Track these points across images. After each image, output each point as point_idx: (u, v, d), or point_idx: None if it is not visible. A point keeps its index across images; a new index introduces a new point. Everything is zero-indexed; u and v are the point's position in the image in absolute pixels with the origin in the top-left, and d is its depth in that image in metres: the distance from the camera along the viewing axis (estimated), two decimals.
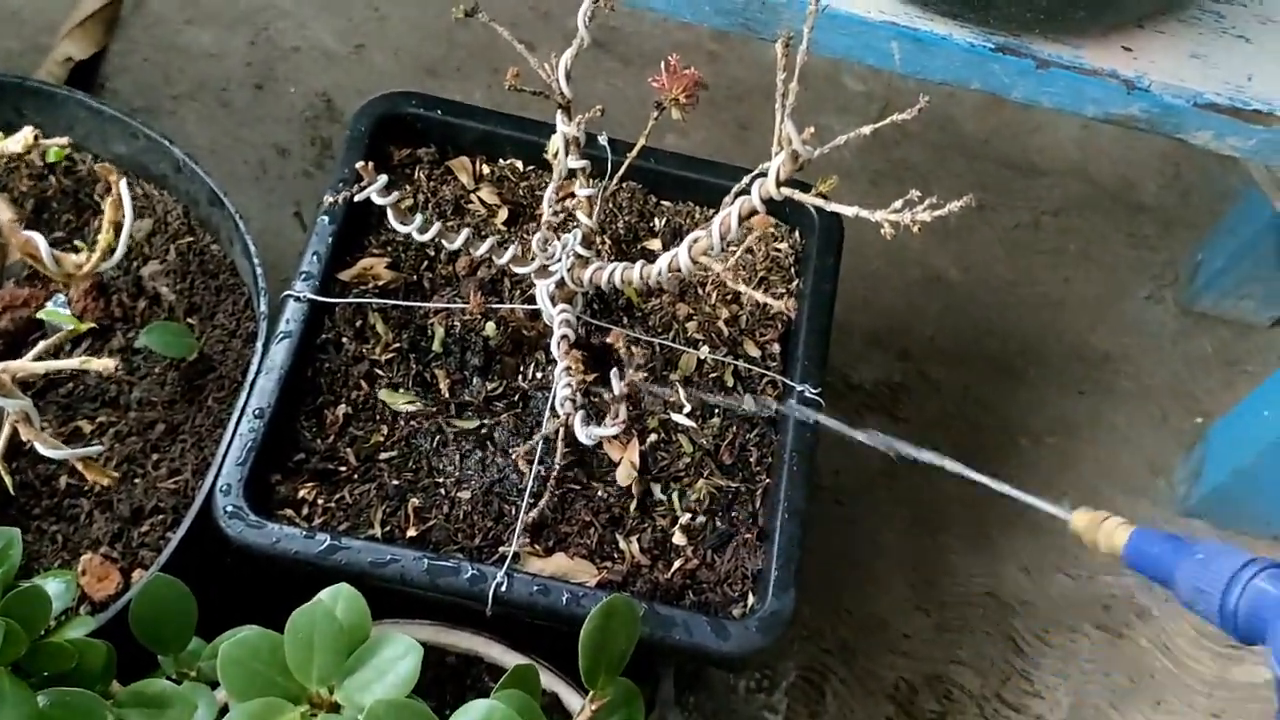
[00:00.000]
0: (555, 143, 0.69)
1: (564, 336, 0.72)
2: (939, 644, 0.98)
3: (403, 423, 0.77)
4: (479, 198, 0.87)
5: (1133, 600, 1.02)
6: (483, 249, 0.71)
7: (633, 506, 0.75)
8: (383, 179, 0.65)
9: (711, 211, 0.86)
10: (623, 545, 0.74)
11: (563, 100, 0.68)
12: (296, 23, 1.21)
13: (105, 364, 0.50)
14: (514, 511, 0.74)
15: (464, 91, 1.17)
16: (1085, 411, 1.10)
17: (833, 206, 0.59)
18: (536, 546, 0.73)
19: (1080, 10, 0.70)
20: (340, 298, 0.80)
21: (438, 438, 0.76)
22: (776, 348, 0.82)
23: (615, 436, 0.70)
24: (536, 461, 0.74)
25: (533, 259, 0.72)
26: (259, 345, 0.77)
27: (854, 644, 0.97)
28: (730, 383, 0.81)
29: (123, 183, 0.49)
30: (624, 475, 0.76)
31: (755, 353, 0.82)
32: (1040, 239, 1.20)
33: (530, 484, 0.74)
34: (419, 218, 0.68)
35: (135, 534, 0.74)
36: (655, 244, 0.86)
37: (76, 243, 0.79)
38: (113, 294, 0.82)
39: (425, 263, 0.83)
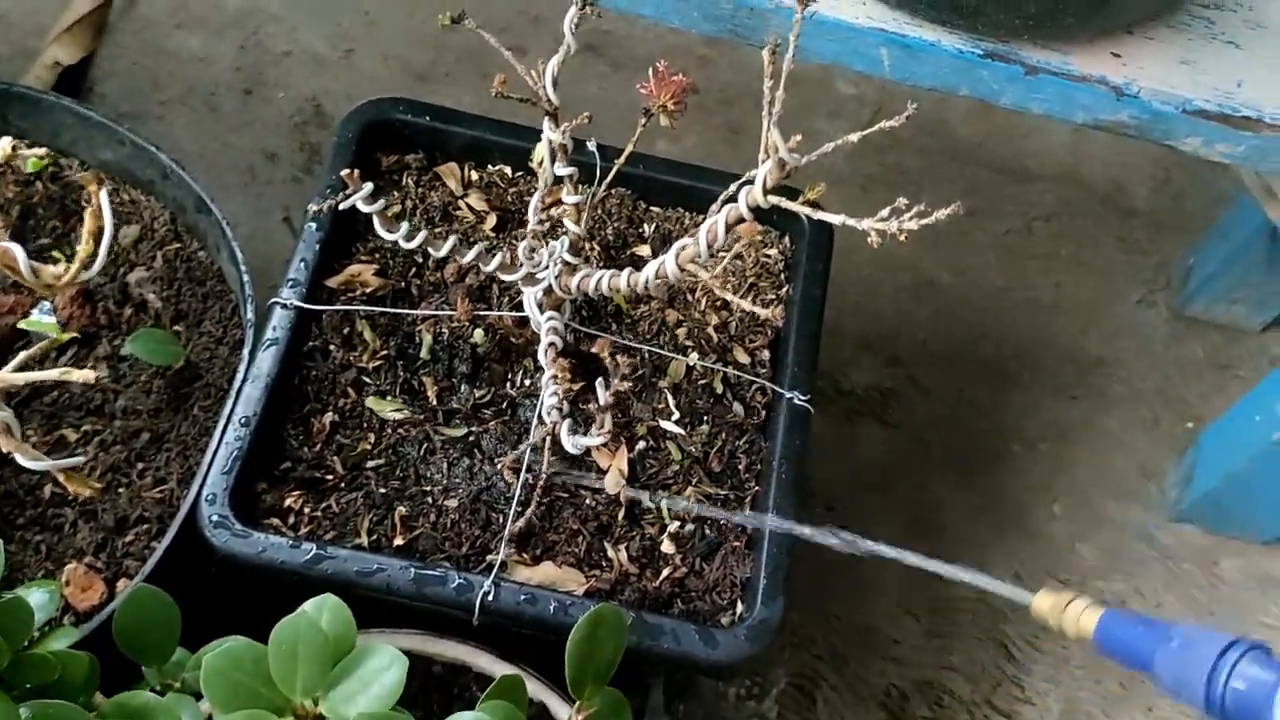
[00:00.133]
0: (540, 151, 0.69)
1: (551, 344, 0.72)
2: (930, 650, 0.98)
3: (390, 430, 0.76)
4: (467, 204, 0.86)
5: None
6: (469, 256, 0.70)
7: (621, 514, 0.75)
8: (368, 187, 0.64)
9: (701, 217, 0.85)
10: (611, 553, 0.74)
11: (549, 107, 0.67)
12: (286, 27, 1.21)
13: (86, 375, 0.50)
14: (502, 520, 0.73)
15: (454, 96, 1.17)
16: (1077, 416, 1.10)
17: (819, 215, 0.59)
18: (524, 555, 0.73)
19: (1069, 16, 0.69)
20: (328, 305, 0.79)
21: (425, 445, 0.76)
22: (766, 354, 0.82)
23: (603, 444, 0.70)
24: (524, 469, 0.74)
25: (520, 266, 0.72)
26: (245, 353, 0.77)
27: (844, 650, 0.97)
28: (719, 390, 0.80)
29: (103, 192, 0.49)
30: (612, 483, 0.75)
31: (745, 359, 0.82)
32: (1032, 243, 1.20)
33: (518, 492, 0.73)
34: (405, 225, 0.68)
35: (120, 544, 0.74)
36: (644, 250, 0.86)
37: (54, 253, 0.78)
38: (98, 301, 0.82)
39: (413, 269, 0.83)
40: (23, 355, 0.59)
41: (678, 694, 0.92)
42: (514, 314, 0.79)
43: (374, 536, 0.73)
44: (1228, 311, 1.14)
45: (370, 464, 0.75)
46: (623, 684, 0.63)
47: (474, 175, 0.88)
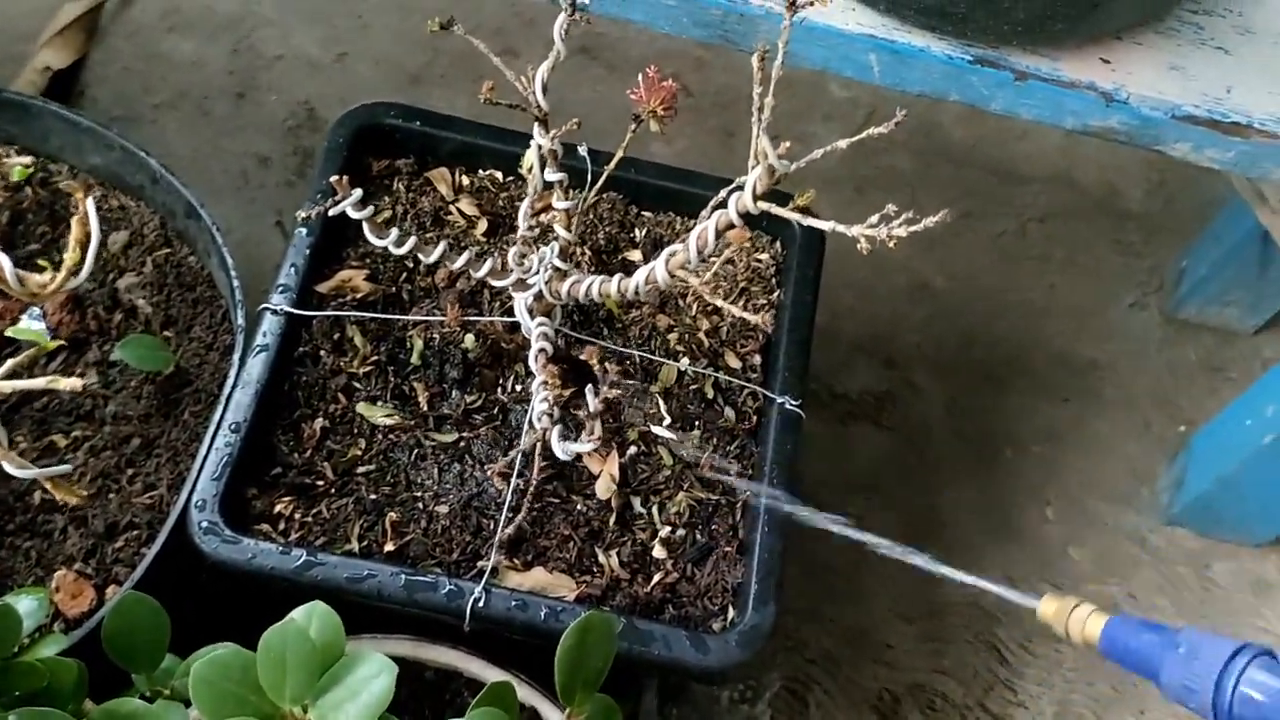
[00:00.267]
0: (530, 157, 0.69)
1: (542, 350, 0.72)
2: (922, 654, 0.98)
3: (380, 436, 0.76)
4: (458, 209, 0.86)
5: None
6: (460, 262, 0.70)
7: (612, 520, 0.75)
8: (357, 193, 0.64)
9: (693, 222, 0.85)
10: (602, 559, 0.74)
11: (539, 113, 0.67)
12: (279, 31, 1.21)
13: (72, 384, 0.50)
14: (492, 525, 0.73)
15: (447, 100, 1.17)
16: (1070, 419, 1.10)
17: (809, 221, 0.59)
18: (515, 561, 0.73)
19: (1058, 22, 0.69)
20: (318, 310, 0.79)
21: (416, 451, 0.76)
22: (757, 359, 0.82)
23: (594, 450, 0.70)
24: (515, 475, 0.74)
25: (510, 272, 0.72)
26: (236, 358, 0.77)
27: (837, 654, 0.97)
28: (711, 394, 0.80)
29: (89, 200, 0.49)
30: (603, 488, 0.75)
31: (736, 364, 0.82)
32: (1026, 246, 1.20)
33: (509, 498, 0.73)
34: (395, 231, 0.68)
35: (110, 550, 0.74)
36: (636, 255, 0.86)
37: (41, 261, 0.78)
38: (88, 306, 0.82)
39: (404, 274, 0.83)
40: (10, 363, 0.59)
41: (671, 698, 0.92)
42: (505, 319, 0.79)
43: (364, 542, 0.73)
44: (1220, 314, 1.14)
45: (361, 470, 0.75)
46: (615, 688, 0.63)
47: (465, 180, 0.88)
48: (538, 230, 0.75)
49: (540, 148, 0.68)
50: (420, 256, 0.69)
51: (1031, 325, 1.15)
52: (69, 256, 0.50)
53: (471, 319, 0.79)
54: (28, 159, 0.52)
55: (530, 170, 0.70)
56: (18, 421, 0.77)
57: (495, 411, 0.78)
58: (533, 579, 0.72)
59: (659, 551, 0.74)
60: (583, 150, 0.78)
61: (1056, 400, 1.11)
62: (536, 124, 0.68)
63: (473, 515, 0.74)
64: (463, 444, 0.77)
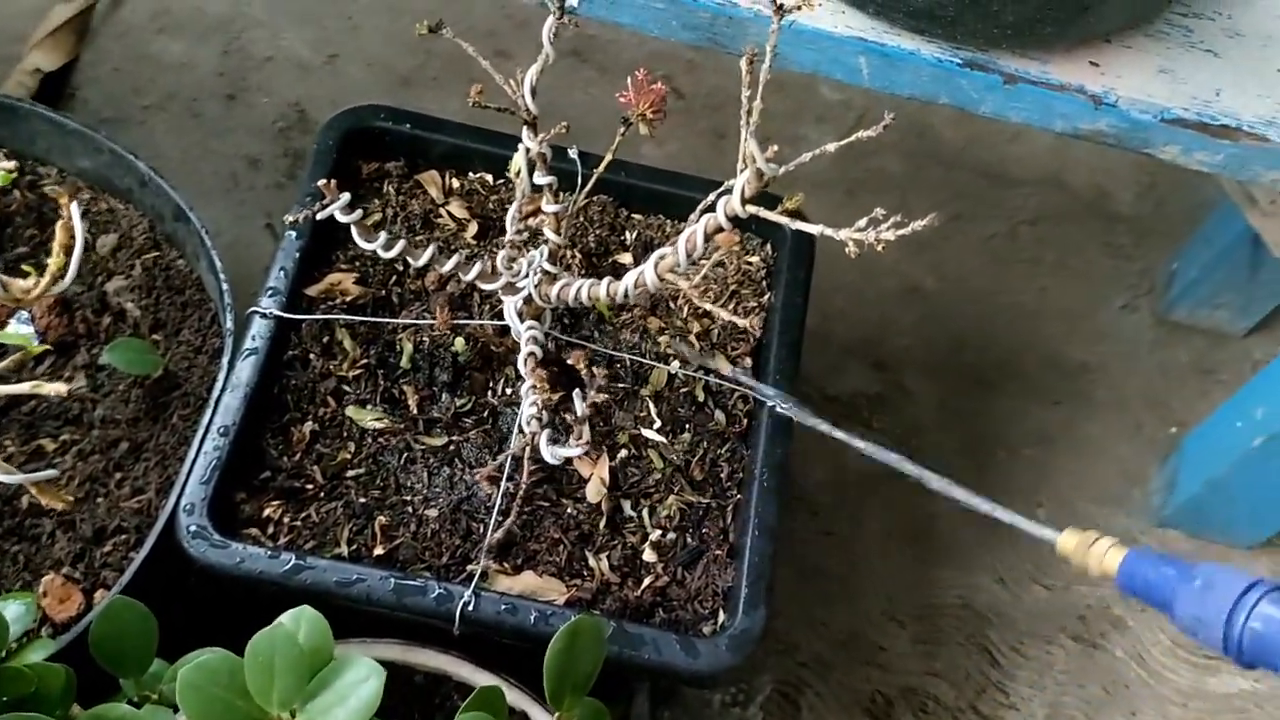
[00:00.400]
0: (517, 161, 0.69)
1: (531, 354, 0.72)
2: (914, 656, 0.98)
3: (370, 440, 0.76)
4: (448, 211, 0.86)
5: (1108, 611, 1.02)
6: (448, 265, 0.70)
7: (602, 523, 0.75)
8: (345, 197, 0.64)
9: (683, 225, 0.85)
10: (592, 563, 0.74)
11: (528, 117, 0.67)
12: (270, 32, 1.20)
13: (58, 388, 0.49)
14: (482, 529, 0.73)
15: (439, 102, 1.17)
16: (1061, 422, 1.10)
17: (798, 225, 0.59)
18: (505, 564, 0.73)
19: (1047, 25, 0.69)
20: (307, 314, 0.79)
21: (405, 455, 0.76)
22: (748, 361, 0.82)
23: (583, 454, 0.70)
24: (505, 479, 0.74)
25: (499, 276, 0.72)
26: (225, 362, 0.76)
27: (829, 657, 0.97)
28: (701, 397, 0.80)
29: (74, 205, 0.49)
30: (593, 492, 0.75)
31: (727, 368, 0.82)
32: (1017, 248, 1.20)
33: (498, 501, 0.73)
34: (383, 235, 0.67)
35: (98, 554, 0.74)
36: (626, 258, 0.85)
37: (26, 265, 0.78)
38: (76, 310, 0.81)
39: (394, 277, 0.82)
40: None
41: (662, 701, 0.92)
42: (495, 323, 0.79)
43: (354, 546, 0.72)
44: (1211, 316, 1.14)
45: (350, 473, 0.75)
46: (606, 691, 0.63)
47: (455, 183, 0.88)
48: (526, 234, 0.75)
49: (528, 151, 0.68)
50: (410, 260, 0.69)
51: (1022, 328, 1.15)
52: (53, 261, 0.50)
53: (461, 322, 0.79)
54: (11, 164, 0.52)
55: (518, 174, 0.70)
56: (5, 426, 0.77)
57: (485, 415, 0.78)
58: (522, 583, 0.72)
59: (649, 555, 0.74)
60: (573, 153, 0.78)
61: (1048, 403, 1.11)
62: (525, 127, 0.67)
63: (462, 519, 0.74)
64: (452, 447, 0.76)
